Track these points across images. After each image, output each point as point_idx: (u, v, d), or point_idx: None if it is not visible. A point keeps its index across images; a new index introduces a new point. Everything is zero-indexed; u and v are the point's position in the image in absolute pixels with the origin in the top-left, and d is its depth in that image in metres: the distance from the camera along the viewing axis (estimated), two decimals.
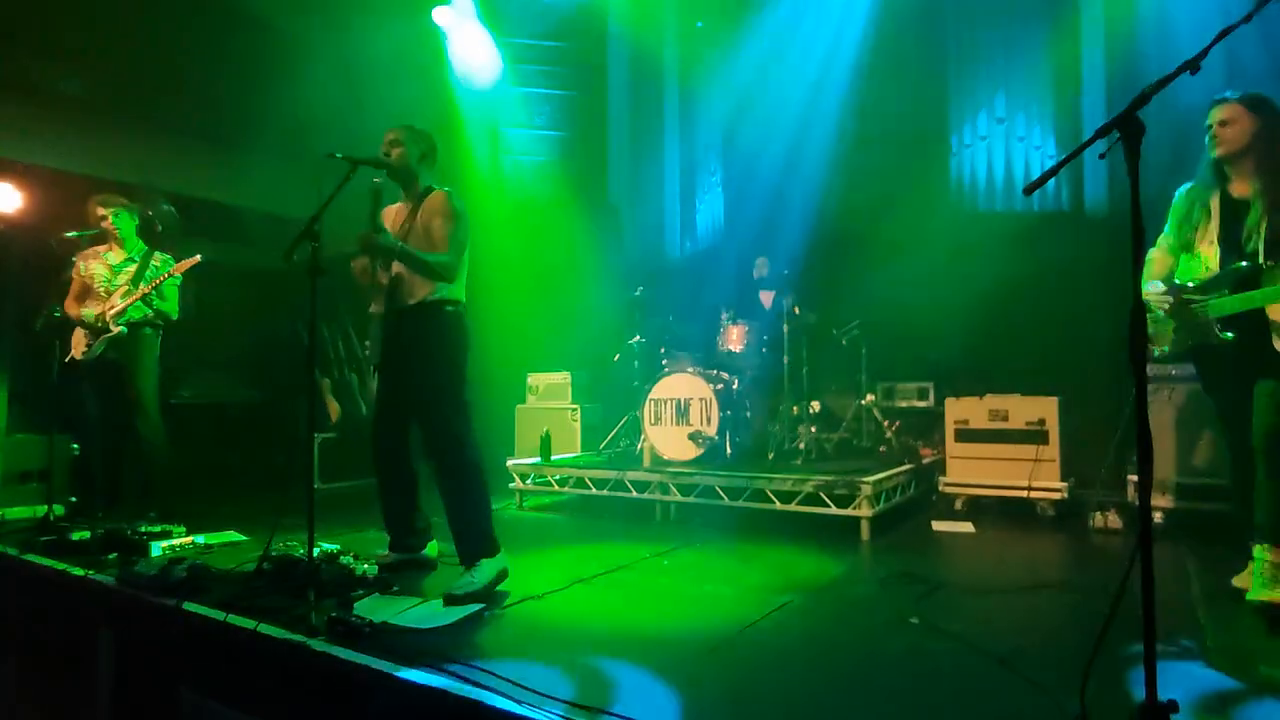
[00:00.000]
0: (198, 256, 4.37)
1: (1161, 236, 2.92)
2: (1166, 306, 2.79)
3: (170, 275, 4.33)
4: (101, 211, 4.40)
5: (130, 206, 4.50)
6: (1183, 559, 3.41)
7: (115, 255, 4.44)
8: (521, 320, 6.37)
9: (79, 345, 4.35)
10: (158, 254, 4.49)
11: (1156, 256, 2.94)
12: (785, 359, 5.06)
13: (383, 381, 3.33)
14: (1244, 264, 2.59)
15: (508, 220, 6.60)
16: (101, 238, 4.44)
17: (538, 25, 7.52)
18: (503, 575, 3.04)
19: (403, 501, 3.40)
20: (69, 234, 4.37)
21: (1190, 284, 2.74)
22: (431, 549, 3.49)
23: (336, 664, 2.21)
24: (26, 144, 5.13)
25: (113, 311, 4.26)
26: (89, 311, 4.30)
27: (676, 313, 5.76)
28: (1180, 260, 2.86)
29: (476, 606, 2.73)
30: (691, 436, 4.82)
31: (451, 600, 2.80)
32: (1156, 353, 2.86)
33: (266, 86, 5.65)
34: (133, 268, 4.40)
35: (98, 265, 4.40)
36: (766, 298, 5.72)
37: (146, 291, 4.27)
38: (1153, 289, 2.84)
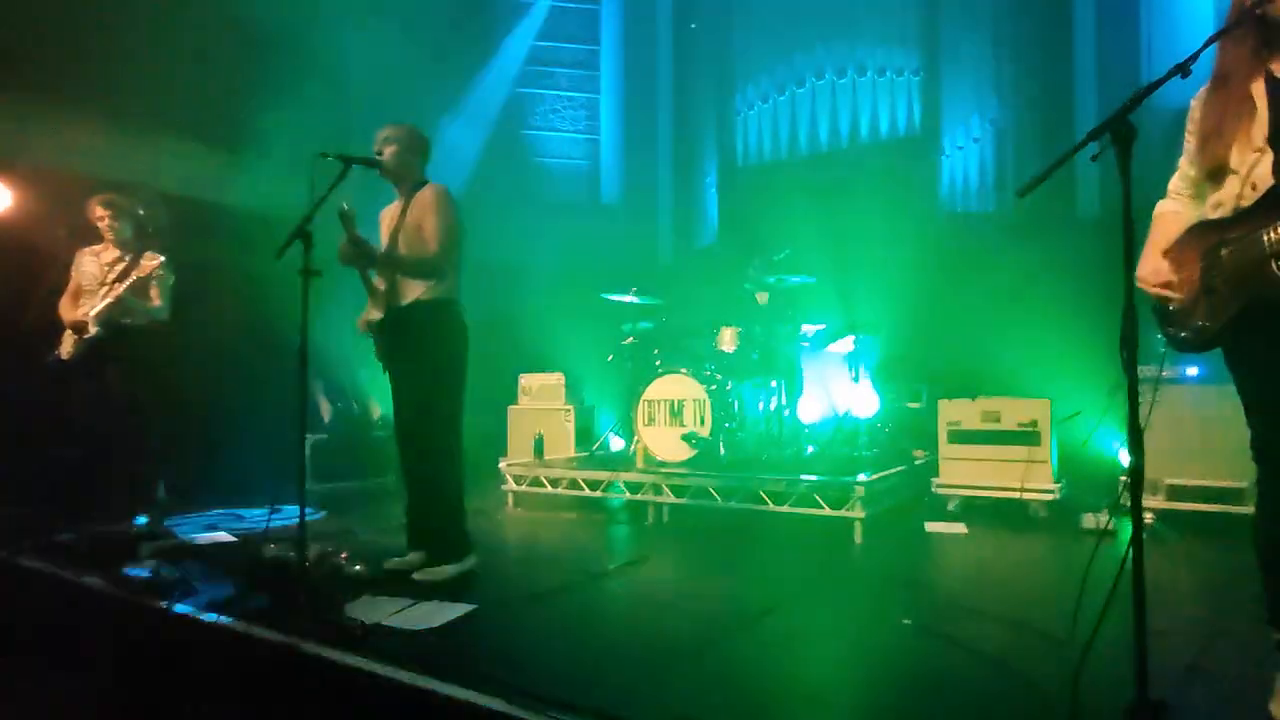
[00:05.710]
0: (160, 258, 4.31)
1: (1176, 176, 2.03)
2: (1169, 292, 1.92)
3: (138, 275, 4.26)
4: (100, 211, 4.37)
5: (129, 207, 4.47)
6: (1174, 559, 3.43)
7: (109, 254, 4.40)
8: (514, 321, 6.36)
9: (66, 346, 4.30)
10: (148, 253, 4.45)
11: (1168, 211, 2.02)
12: (778, 360, 5.06)
13: (391, 387, 3.36)
14: None
15: (505, 219, 6.59)
16: (98, 236, 4.41)
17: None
18: (469, 573, 3.19)
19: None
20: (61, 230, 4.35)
21: (1226, 217, 1.82)
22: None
23: (328, 666, 2.20)
24: (17, 141, 5.09)
25: (93, 313, 4.21)
26: (72, 315, 4.25)
27: (670, 313, 5.76)
28: (1201, 193, 1.95)
29: (469, 608, 2.72)
30: (685, 437, 4.81)
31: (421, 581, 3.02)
32: (1183, 334, 1.91)
33: (262, 85, 5.62)
34: (122, 267, 4.36)
35: (91, 263, 4.37)
36: (760, 298, 5.72)
37: (119, 291, 4.20)
38: (1153, 273, 1.95)
